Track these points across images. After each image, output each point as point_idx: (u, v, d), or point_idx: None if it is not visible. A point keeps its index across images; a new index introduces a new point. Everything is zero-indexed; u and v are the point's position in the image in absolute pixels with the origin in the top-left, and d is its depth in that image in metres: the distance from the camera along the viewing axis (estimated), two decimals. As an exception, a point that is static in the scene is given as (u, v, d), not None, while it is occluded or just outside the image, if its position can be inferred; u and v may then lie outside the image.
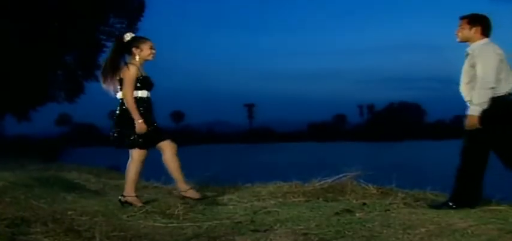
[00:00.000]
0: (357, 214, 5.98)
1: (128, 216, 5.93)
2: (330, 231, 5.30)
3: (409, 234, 5.08)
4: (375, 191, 7.35)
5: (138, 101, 6.67)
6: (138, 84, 6.68)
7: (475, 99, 6.15)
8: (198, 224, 5.65)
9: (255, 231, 5.41)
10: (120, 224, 5.44)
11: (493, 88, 6.10)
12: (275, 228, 5.48)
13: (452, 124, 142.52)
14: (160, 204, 6.38)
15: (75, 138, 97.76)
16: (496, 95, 6.16)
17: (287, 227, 5.49)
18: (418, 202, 6.65)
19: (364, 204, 6.61)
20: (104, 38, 31.69)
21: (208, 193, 7.59)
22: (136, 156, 6.79)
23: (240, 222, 5.76)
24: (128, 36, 6.84)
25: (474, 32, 6.32)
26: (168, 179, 8.87)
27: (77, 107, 34.75)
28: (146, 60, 6.85)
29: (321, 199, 7.06)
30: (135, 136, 6.63)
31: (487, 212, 5.88)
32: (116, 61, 6.78)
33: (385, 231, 5.21)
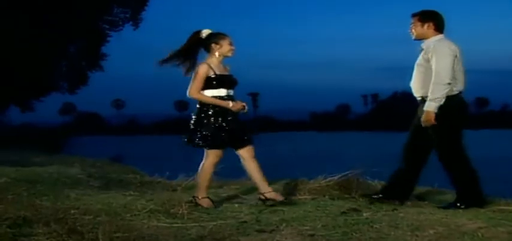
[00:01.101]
0: (364, 214, 5.90)
1: (131, 215, 5.83)
2: (336, 232, 5.21)
3: (417, 236, 5.00)
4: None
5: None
6: (214, 82, 6.44)
7: (431, 94, 6.16)
8: (202, 224, 5.55)
9: (261, 231, 5.32)
10: (123, 224, 5.33)
11: (449, 84, 6.11)
12: (281, 228, 5.39)
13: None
14: (165, 202, 6.25)
15: (79, 127, 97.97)
16: (451, 94, 6.18)
17: (293, 227, 5.41)
18: (425, 202, 6.57)
19: (371, 202, 6.53)
20: (107, 27, 31.57)
21: (213, 190, 7.53)
22: (211, 156, 6.55)
23: (245, 222, 5.67)
24: (206, 32, 6.58)
25: (427, 27, 6.36)
26: (173, 174, 8.82)
27: (80, 96, 34.76)
28: (226, 57, 6.60)
29: (327, 197, 6.99)
30: (210, 135, 6.43)
31: (497, 213, 5.79)
32: (187, 55, 6.55)
33: (392, 233, 5.13)
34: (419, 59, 6.42)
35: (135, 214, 5.87)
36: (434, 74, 6.14)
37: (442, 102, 6.15)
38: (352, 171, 7.47)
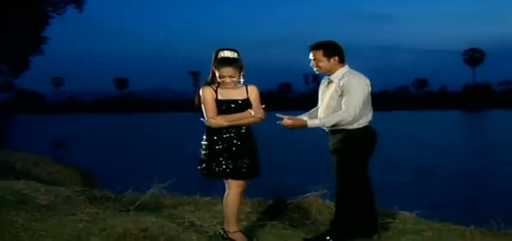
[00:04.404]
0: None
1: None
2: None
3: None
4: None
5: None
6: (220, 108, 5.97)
7: (333, 118, 6.11)
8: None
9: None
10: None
11: (351, 120, 6.07)
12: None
13: (395, 95, 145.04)
14: (120, 235, 5.90)
15: (17, 106, 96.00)
16: (360, 126, 6.16)
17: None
18: (389, 233, 6.45)
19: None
20: (50, 9, 30.77)
21: (167, 210, 7.24)
22: (235, 186, 5.93)
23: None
24: (223, 54, 5.99)
25: (333, 61, 6.26)
26: (122, 188, 8.44)
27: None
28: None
29: (286, 222, 6.81)
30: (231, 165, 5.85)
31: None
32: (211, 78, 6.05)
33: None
34: (330, 92, 6.30)
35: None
36: (346, 105, 6.07)
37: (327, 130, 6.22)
38: (312, 194, 7.33)
